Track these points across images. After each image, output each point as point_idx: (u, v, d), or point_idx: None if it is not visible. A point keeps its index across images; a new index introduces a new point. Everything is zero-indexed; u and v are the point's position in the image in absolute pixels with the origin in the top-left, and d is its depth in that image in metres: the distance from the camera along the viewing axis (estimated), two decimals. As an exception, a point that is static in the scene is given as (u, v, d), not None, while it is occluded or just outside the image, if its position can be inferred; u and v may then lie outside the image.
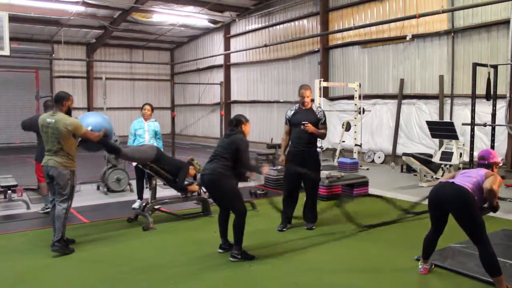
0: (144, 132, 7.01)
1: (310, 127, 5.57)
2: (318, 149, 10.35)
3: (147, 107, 7.17)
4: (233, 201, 4.71)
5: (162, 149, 6.98)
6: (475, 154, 7.69)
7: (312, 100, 6.45)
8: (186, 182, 6.35)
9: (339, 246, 5.17)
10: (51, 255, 4.77)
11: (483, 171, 3.93)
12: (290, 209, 5.85)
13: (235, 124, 4.93)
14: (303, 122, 5.58)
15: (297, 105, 5.91)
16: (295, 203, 5.87)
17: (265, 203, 7.29)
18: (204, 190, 6.61)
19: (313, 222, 5.86)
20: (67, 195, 4.86)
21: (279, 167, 8.24)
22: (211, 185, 4.74)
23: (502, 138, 9.87)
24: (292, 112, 5.89)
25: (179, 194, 6.56)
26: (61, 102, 4.91)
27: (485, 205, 3.87)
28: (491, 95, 7.91)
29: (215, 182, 4.68)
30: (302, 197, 5.94)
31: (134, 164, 6.50)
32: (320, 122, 5.74)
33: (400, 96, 12.16)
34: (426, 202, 4.20)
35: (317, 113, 5.77)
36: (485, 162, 4.06)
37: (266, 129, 16.95)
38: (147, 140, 6.93)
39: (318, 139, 6.00)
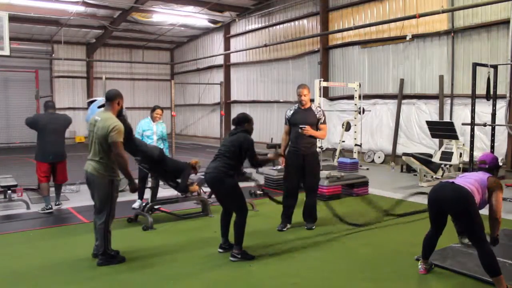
0: (153, 134, 7.02)
1: (308, 131, 5.55)
2: (318, 149, 10.41)
3: (159, 111, 7.12)
4: (235, 201, 4.71)
5: (167, 151, 7.05)
6: (475, 154, 7.73)
7: (312, 100, 6.44)
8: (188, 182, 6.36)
9: (339, 246, 5.17)
10: (57, 258, 4.76)
11: (485, 175, 3.92)
12: (290, 209, 5.84)
13: (238, 123, 4.93)
14: (300, 126, 5.56)
15: (297, 105, 5.90)
16: (295, 203, 5.86)
17: (265, 203, 7.29)
18: (204, 190, 6.63)
19: (313, 222, 5.86)
20: (104, 208, 4.46)
21: (279, 167, 8.24)
22: (214, 183, 4.75)
23: (502, 138, 9.86)
24: (292, 112, 5.88)
25: (179, 194, 6.57)
26: (116, 99, 4.49)
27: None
28: (491, 95, 7.91)
29: (218, 181, 4.69)
30: (302, 197, 5.95)
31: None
32: (319, 122, 5.74)
33: (400, 96, 12.16)
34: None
35: (316, 113, 5.76)
36: (485, 166, 4.05)
37: (266, 129, 16.95)
38: (155, 141, 6.96)
39: (317, 139, 5.99)
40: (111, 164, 4.42)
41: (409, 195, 6.62)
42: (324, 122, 5.80)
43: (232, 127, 4.99)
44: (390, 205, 6.49)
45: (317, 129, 5.73)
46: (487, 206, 3.93)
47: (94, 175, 4.43)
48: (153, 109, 7.16)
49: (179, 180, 6.32)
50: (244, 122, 4.91)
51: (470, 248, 4.37)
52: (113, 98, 4.49)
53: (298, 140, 5.69)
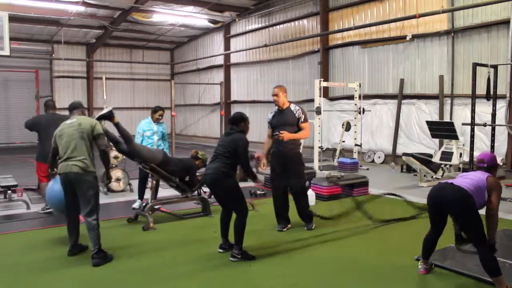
0: (153, 134, 7.02)
1: (284, 136, 5.47)
2: (318, 149, 10.42)
3: (161, 112, 7.10)
4: (235, 201, 4.71)
5: (168, 150, 7.06)
6: (475, 154, 7.72)
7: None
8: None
9: (339, 246, 5.17)
10: (57, 259, 4.75)
11: (484, 175, 3.91)
12: (283, 209, 5.81)
13: (234, 122, 4.92)
14: (274, 134, 5.52)
15: (277, 107, 5.82)
16: (286, 204, 5.83)
17: (265, 203, 7.29)
18: (205, 190, 6.63)
19: (311, 222, 5.83)
20: (95, 205, 4.59)
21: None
22: (214, 184, 4.74)
23: (502, 138, 9.86)
24: (272, 114, 5.84)
25: (179, 194, 6.57)
26: (80, 108, 4.99)
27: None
28: (491, 95, 7.92)
29: (218, 181, 4.69)
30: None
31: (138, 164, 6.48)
32: (299, 121, 5.66)
33: (400, 96, 12.16)
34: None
35: (295, 113, 5.67)
36: (484, 165, 4.04)
37: (266, 129, 16.85)
38: (155, 141, 6.96)
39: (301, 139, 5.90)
40: (92, 161, 4.63)
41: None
42: (305, 121, 5.69)
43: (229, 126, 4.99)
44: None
45: (298, 128, 5.67)
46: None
47: (81, 173, 4.53)
48: (154, 111, 7.14)
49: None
50: (240, 121, 4.91)
51: (470, 248, 4.36)
52: (78, 107, 4.99)
53: (280, 142, 5.61)
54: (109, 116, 5.35)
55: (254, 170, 5.12)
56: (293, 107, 5.74)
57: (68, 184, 4.60)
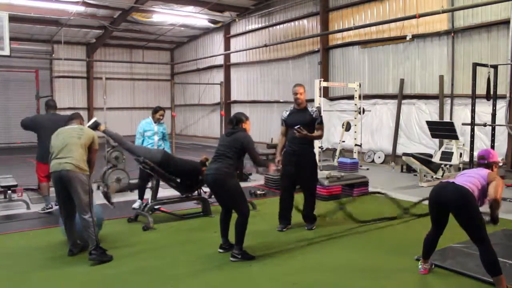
0: (154, 134, 7.03)
1: (303, 133, 5.46)
2: (318, 149, 10.41)
3: (162, 112, 7.12)
4: (237, 201, 4.70)
5: (169, 150, 7.05)
6: (475, 154, 7.73)
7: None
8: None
9: (339, 246, 5.17)
10: (57, 259, 4.75)
11: (484, 171, 3.92)
12: (287, 209, 5.82)
13: (235, 123, 4.93)
14: (295, 127, 5.50)
15: (293, 105, 5.87)
16: (291, 204, 5.84)
17: (265, 203, 7.30)
18: (205, 190, 6.63)
19: (313, 223, 5.85)
20: (89, 203, 4.60)
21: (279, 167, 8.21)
22: (216, 184, 4.74)
23: (502, 138, 9.86)
24: (288, 113, 5.86)
25: (179, 194, 6.56)
26: (79, 119, 5.14)
27: (487, 218, 3.85)
28: (491, 95, 7.92)
29: (220, 182, 4.68)
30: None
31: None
32: (316, 122, 5.68)
33: (400, 96, 12.16)
34: (426, 202, 4.22)
35: (312, 113, 5.71)
36: (485, 161, 4.06)
37: (266, 129, 16.94)
38: (156, 142, 6.96)
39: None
40: (85, 162, 4.73)
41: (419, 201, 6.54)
42: (321, 123, 5.73)
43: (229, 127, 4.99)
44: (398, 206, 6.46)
45: (313, 129, 5.68)
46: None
47: (73, 171, 4.53)
48: (155, 111, 7.14)
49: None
50: (241, 121, 4.92)
51: (470, 248, 4.37)
52: (78, 117, 5.15)
53: (294, 141, 5.64)
54: (95, 127, 5.46)
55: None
56: (310, 107, 5.81)
57: (61, 183, 4.58)
